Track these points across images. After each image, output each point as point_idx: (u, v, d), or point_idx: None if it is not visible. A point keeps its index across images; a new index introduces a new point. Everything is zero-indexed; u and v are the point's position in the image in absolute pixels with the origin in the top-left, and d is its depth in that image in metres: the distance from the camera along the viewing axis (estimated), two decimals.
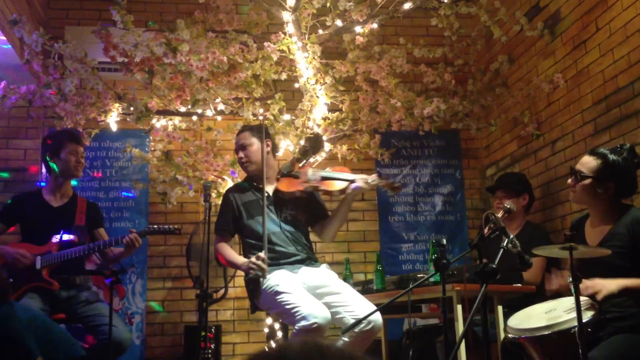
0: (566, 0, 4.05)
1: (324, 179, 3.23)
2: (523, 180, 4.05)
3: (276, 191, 3.24)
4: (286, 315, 2.89)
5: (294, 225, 3.22)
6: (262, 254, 2.97)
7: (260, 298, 3.05)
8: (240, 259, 3.14)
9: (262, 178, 3.16)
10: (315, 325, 2.70)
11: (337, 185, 3.20)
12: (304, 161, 3.36)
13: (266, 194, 3.19)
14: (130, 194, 4.78)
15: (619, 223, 2.63)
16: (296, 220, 3.25)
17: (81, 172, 3.53)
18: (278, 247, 3.14)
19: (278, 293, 2.91)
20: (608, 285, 2.45)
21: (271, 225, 3.16)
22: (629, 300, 2.54)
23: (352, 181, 3.19)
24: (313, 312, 2.73)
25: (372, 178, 3.18)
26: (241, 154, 3.28)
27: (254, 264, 2.97)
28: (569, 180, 2.75)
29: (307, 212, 3.32)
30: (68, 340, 1.58)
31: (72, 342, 1.60)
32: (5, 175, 4.59)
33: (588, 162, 2.69)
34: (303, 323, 2.72)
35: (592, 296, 2.45)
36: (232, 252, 3.21)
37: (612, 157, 2.65)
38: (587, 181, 2.66)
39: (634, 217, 2.61)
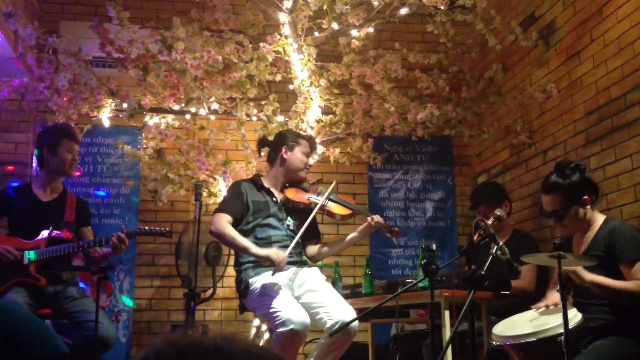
0: (561, 11, 4.07)
1: (330, 200, 3.31)
2: (499, 189, 4.12)
3: (284, 198, 3.30)
4: (268, 318, 2.94)
5: (295, 232, 3.25)
6: (286, 255, 2.97)
7: (247, 298, 3.06)
8: (252, 245, 3.04)
9: (283, 183, 3.33)
10: (293, 331, 2.74)
11: (341, 210, 3.32)
12: None
13: (274, 199, 3.27)
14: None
15: (597, 234, 2.71)
16: (297, 229, 3.28)
17: (74, 170, 3.50)
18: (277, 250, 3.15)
19: (263, 295, 2.94)
20: (584, 274, 2.54)
21: (276, 229, 3.21)
22: (611, 307, 2.58)
23: (355, 212, 3.32)
24: (291, 317, 2.77)
25: (377, 217, 3.24)
26: (310, 162, 3.41)
27: (276, 258, 2.93)
28: (552, 223, 2.85)
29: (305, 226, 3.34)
30: (51, 336, 1.55)
31: (54, 338, 1.58)
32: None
33: (554, 200, 2.76)
34: (281, 329, 2.77)
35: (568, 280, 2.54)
36: (239, 235, 3.12)
37: (563, 181, 2.74)
38: (570, 213, 2.74)
39: (610, 228, 2.68)
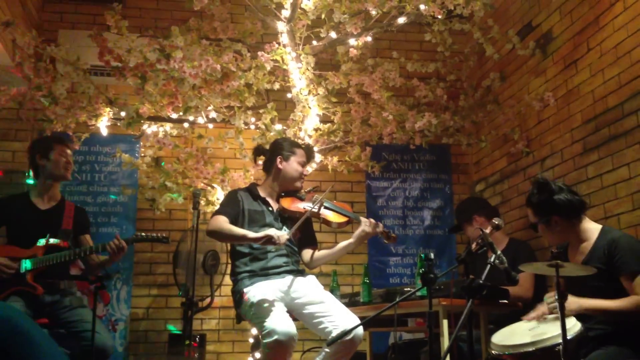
0: (558, 20, 4.09)
1: (327, 208, 3.29)
2: (465, 207, 4.12)
3: (280, 207, 3.29)
4: (257, 328, 2.93)
5: (291, 241, 3.24)
6: (285, 234, 2.97)
7: (242, 307, 3.06)
8: (248, 231, 3.03)
9: (278, 193, 3.32)
10: (277, 341, 2.73)
11: (338, 218, 3.29)
12: None
13: (270, 209, 3.26)
14: (115, 197, 4.74)
15: (596, 244, 2.69)
16: (293, 237, 3.26)
17: (70, 174, 3.51)
18: (272, 260, 3.14)
19: (253, 305, 2.94)
20: (576, 306, 2.54)
21: None
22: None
23: (352, 219, 3.29)
24: (276, 327, 2.75)
25: (373, 223, 3.22)
26: (305, 171, 3.39)
27: (275, 234, 2.91)
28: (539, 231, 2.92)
29: (301, 233, 3.33)
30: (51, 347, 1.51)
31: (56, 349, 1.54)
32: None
33: (529, 213, 2.87)
34: (267, 339, 2.76)
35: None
36: (235, 227, 3.11)
37: (533, 199, 2.81)
38: (540, 227, 2.81)
39: (609, 238, 2.67)
